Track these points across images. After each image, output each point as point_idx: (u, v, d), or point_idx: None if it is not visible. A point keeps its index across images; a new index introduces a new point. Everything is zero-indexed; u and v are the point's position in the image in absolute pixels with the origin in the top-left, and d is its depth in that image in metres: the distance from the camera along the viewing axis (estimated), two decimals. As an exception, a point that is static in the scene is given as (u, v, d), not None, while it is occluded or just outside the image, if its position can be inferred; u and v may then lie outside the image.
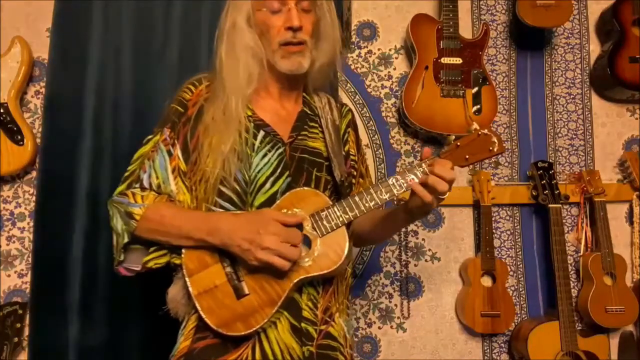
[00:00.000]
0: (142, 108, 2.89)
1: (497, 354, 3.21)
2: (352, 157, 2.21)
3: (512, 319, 3.11)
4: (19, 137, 2.95)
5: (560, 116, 3.37)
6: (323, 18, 2.05)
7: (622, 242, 3.29)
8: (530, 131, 3.35)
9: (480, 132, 1.92)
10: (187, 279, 1.86)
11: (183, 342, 1.92)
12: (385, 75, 3.32)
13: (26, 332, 2.89)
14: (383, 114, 3.30)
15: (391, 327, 3.19)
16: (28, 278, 3.00)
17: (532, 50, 3.40)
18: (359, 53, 3.33)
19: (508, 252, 3.28)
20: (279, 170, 1.96)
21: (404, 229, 3.23)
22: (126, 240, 1.92)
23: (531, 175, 3.15)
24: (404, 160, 3.28)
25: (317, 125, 2.11)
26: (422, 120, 3.08)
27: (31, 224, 3.03)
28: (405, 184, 1.89)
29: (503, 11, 3.41)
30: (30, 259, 2.97)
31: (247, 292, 1.84)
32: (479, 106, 3.08)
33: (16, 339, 2.82)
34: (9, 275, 3.03)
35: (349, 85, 3.28)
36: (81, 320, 2.82)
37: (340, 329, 2.01)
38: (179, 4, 2.99)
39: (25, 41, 3.02)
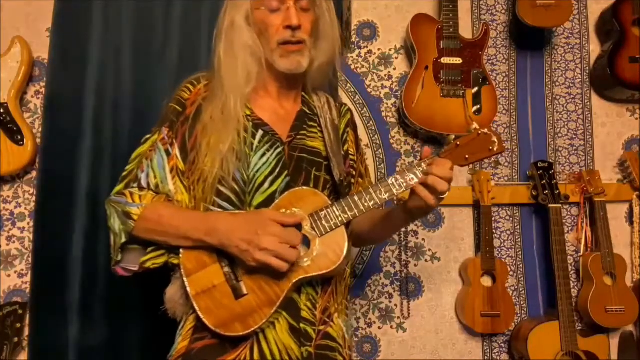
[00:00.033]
0: (142, 108, 2.87)
1: (497, 354, 3.20)
2: (351, 156, 2.19)
3: (512, 319, 3.10)
4: (19, 137, 2.94)
5: (560, 116, 3.36)
6: (322, 17, 2.04)
7: (622, 242, 3.28)
8: (530, 131, 3.34)
9: (480, 132, 1.90)
10: (185, 279, 1.85)
11: (181, 343, 1.91)
12: (385, 75, 3.31)
13: (26, 332, 2.87)
14: (383, 114, 3.28)
15: (391, 327, 3.18)
16: (28, 278, 2.98)
17: (532, 50, 3.39)
18: (359, 53, 3.31)
19: (508, 252, 3.26)
20: (277, 170, 1.94)
21: (404, 229, 3.21)
22: (124, 240, 1.91)
23: (531, 175, 3.14)
24: (404, 160, 3.26)
25: (316, 124, 2.10)
26: (422, 120, 3.07)
27: (31, 224, 3.02)
28: (404, 184, 1.87)
29: (503, 11, 3.39)
30: (30, 259, 2.96)
31: (245, 292, 1.82)
32: (479, 106, 3.07)
33: (16, 339, 2.81)
34: (9, 275, 3.02)
35: (349, 85, 3.27)
36: (81, 320, 2.81)
37: (339, 329, 2.00)
38: (179, 4, 2.98)
39: (25, 41, 3.01)
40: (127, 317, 2.80)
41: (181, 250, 1.87)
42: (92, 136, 2.88)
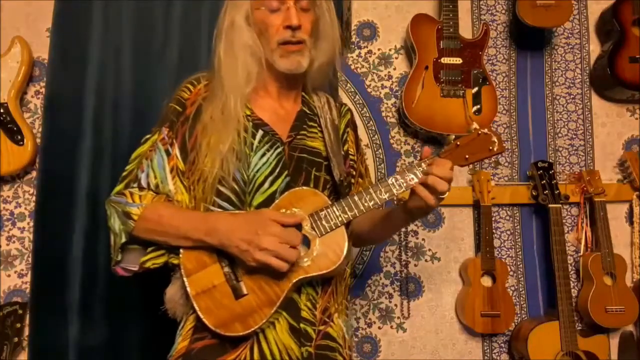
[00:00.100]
0: (142, 108, 2.87)
1: (497, 354, 3.19)
2: (351, 156, 2.19)
3: (512, 319, 3.09)
4: (19, 137, 2.94)
5: (560, 116, 3.35)
6: (322, 17, 2.03)
7: (622, 242, 3.27)
8: (530, 131, 3.34)
9: (480, 132, 1.90)
10: (185, 279, 1.84)
11: (181, 343, 1.90)
12: (385, 75, 3.30)
13: (26, 332, 2.87)
14: (383, 114, 3.28)
15: (391, 327, 3.18)
16: (28, 278, 2.98)
17: (532, 50, 3.38)
18: (359, 53, 3.31)
19: (508, 252, 3.26)
20: (277, 170, 1.94)
21: (404, 229, 3.21)
22: (124, 240, 1.91)
23: (531, 175, 3.14)
24: (404, 160, 3.26)
25: (316, 124, 2.09)
26: (422, 120, 3.07)
27: (31, 224, 3.02)
28: (404, 184, 1.87)
29: (503, 11, 3.39)
30: (30, 259, 2.95)
31: (245, 292, 1.82)
32: (479, 106, 3.06)
33: (16, 339, 2.81)
34: (9, 275, 3.02)
35: (349, 85, 3.27)
36: (81, 320, 2.81)
37: (339, 329, 1.99)
38: (179, 4, 2.98)
39: (25, 41, 3.01)
40: (127, 317, 2.79)
41: (181, 250, 1.87)
42: (92, 136, 2.88)
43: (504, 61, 3.36)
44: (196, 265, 1.85)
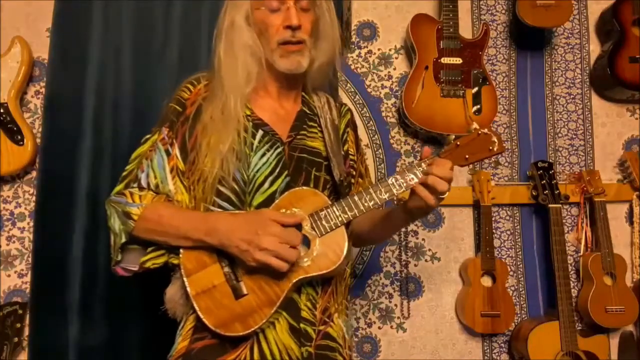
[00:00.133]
0: (142, 108, 2.87)
1: (497, 354, 3.19)
2: (351, 156, 2.18)
3: (512, 319, 3.09)
4: (19, 137, 2.93)
5: (560, 116, 3.35)
6: (322, 17, 2.03)
7: (622, 242, 3.27)
8: (530, 131, 3.33)
9: (480, 132, 1.90)
10: (185, 279, 1.84)
11: (181, 343, 1.90)
12: (385, 75, 3.30)
13: (26, 332, 2.87)
14: (383, 114, 3.28)
15: (391, 327, 3.17)
16: (28, 278, 2.98)
17: (532, 50, 3.38)
18: (359, 53, 3.31)
19: (508, 252, 3.26)
20: (277, 170, 1.94)
21: (403, 229, 3.21)
22: (124, 240, 1.90)
23: (531, 175, 3.13)
24: (404, 160, 3.25)
25: (316, 124, 2.09)
26: (422, 120, 3.06)
27: (31, 224, 3.01)
28: (404, 184, 1.87)
29: (503, 11, 3.39)
30: (30, 259, 2.95)
31: (245, 292, 1.81)
32: (479, 106, 3.06)
33: (16, 339, 2.81)
34: (9, 275, 3.01)
35: (349, 85, 3.26)
36: (81, 320, 2.80)
37: (339, 329, 1.99)
38: (179, 4, 2.97)
39: (25, 41, 3.00)
40: (127, 317, 2.79)
41: (181, 250, 1.87)
42: (92, 136, 2.87)
43: (504, 61, 3.36)
44: (196, 265, 1.85)
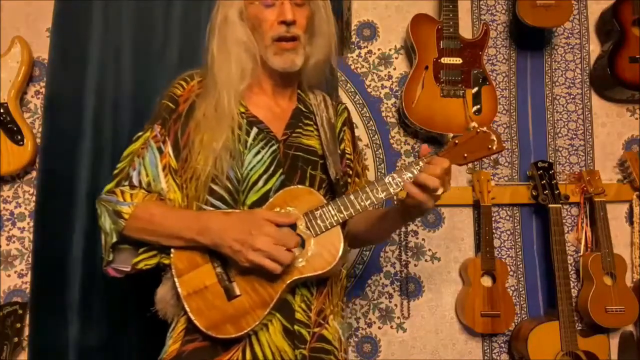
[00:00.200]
0: (142, 108, 2.82)
1: (497, 354, 3.14)
2: (347, 155, 2.11)
3: (512, 319, 3.05)
4: (19, 137, 2.89)
5: (560, 116, 3.30)
6: (317, 13, 1.96)
7: (622, 242, 3.22)
8: (530, 131, 3.28)
9: (479, 130, 1.82)
10: (176, 279, 1.77)
11: (172, 345, 1.83)
12: (385, 75, 3.24)
13: (26, 332, 2.83)
14: (383, 114, 3.22)
15: (391, 327, 3.12)
16: (28, 278, 2.93)
17: (532, 50, 3.33)
18: (359, 53, 3.25)
19: (508, 252, 3.21)
20: (272, 168, 1.87)
21: (404, 229, 3.16)
22: (114, 240, 1.84)
23: (531, 175, 3.09)
24: (404, 160, 3.20)
25: (312, 122, 2.02)
26: (422, 120, 3.02)
27: (31, 224, 2.97)
28: (401, 182, 1.79)
29: (503, 11, 3.33)
30: (30, 259, 2.91)
31: (238, 293, 1.74)
32: (479, 106, 3.02)
33: (16, 339, 2.77)
34: (9, 275, 2.97)
35: (349, 85, 3.21)
36: (81, 320, 2.76)
37: (335, 331, 1.92)
38: (179, 4, 2.93)
39: (25, 41, 2.96)
40: (127, 317, 2.74)
41: (172, 250, 1.80)
42: (92, 136, 2.83)
43: (504, 61, 3.31)
44: (188, 265, 1.78)
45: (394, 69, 3.26)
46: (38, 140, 2.93)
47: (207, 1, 2.87)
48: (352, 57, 3.24)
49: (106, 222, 1.84)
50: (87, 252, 2.77)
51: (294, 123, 1.97)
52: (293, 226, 1.77)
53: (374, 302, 3.12)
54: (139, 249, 1.86)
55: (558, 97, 3.30)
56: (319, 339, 1.85)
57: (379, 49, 3.26)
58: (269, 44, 1.87)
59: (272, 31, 1.86)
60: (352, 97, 3.20)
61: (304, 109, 2.03)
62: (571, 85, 3.31)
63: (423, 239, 3.18)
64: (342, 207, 1.78)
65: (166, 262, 1.82)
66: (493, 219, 3.15)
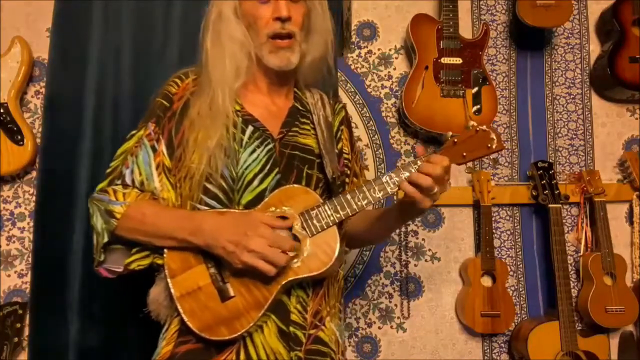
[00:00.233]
0: (142, 108, 2.70)
1: (497, 354, 3.10)
2: (345, 155, 2.04)
3: (512, 319, 3.01)
4: (19, 137, 2.86)
5: (560, 116, 3.26)
6: (313, 9, 1.90)
7: (622, 242, 3.18)
8: (530, 131, 3.24)
9: (478, 129, 1.76)
10: (169, 280, 1.72)
11: (165, 347, 1.78)
12: (385, 75, 3.20)
13: (26, 332, 2.79)
14: (383, 114, 3.18)
15: (391, 327, 3.08)
16: (28, 278, 2.90)
17: (532, 50, 3.29)
18: (359, 53, 3.21)
19: (508, 252, 3.17)
20: (267, 167, 1.81)
21: (404, 229, 3.11)
22: (106, 239, 1.78)
23: (531, 175, 3.05)
24: (404, 160, 3.15)
25: (308, 121, 1.96)
26: (422, 120, 2.98)
27: (31, 224, 2.93)
28: (399, 182, 1.72)
29: (503, 11, 3.29)
30: (30, 259, 2.87)
31: (232, 294, 1.69)
32: (479, 106, 2.98)
33: (16, 339, 2.73)
34: (9, 275, 2.94)
35: (349, 85, 3.17)
36: (81, 320, 2.72)
37: (332, 333, 1.85)
38: (179, 4, 2.88)
39: (25, 41, 2.93)
40: (127, 317, 2.64)
41: (165, 250, 1.75)
42: (92, 136, 2.79)
43: (504, 61, 3.27)
44: (181, 266, 1.73)
45: (394, 69, 3.21)
46: (38, 140, 2.89)
47: (207, 1, 2.83)
48: (352, 57, 3.19)
49: (98, 221, 1.79)
50: (87, 252, 2.68)
51: (290, 121, 1.91)
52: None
53: (374, 302, 3.08)
54: (131, 249, 1.81)
55: (558, 97, 3.26)
56: (315, 341, 1.79)
57: (379, 49, 3.22)
58: (264, 41, 1.82)
59: (267, 28, 1.81)
60: (352, 97, 3.16)
61: (300, 108, 1.97)
62: (571, 85, 3.27)
63: (423, 239, 3.14)
64: (338, 207, 1.73)
65: (159, 262, 1.77)
66: (493, 219, 3.11)
